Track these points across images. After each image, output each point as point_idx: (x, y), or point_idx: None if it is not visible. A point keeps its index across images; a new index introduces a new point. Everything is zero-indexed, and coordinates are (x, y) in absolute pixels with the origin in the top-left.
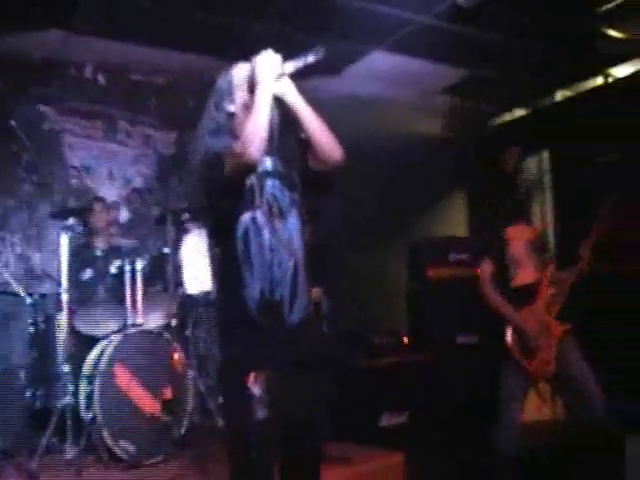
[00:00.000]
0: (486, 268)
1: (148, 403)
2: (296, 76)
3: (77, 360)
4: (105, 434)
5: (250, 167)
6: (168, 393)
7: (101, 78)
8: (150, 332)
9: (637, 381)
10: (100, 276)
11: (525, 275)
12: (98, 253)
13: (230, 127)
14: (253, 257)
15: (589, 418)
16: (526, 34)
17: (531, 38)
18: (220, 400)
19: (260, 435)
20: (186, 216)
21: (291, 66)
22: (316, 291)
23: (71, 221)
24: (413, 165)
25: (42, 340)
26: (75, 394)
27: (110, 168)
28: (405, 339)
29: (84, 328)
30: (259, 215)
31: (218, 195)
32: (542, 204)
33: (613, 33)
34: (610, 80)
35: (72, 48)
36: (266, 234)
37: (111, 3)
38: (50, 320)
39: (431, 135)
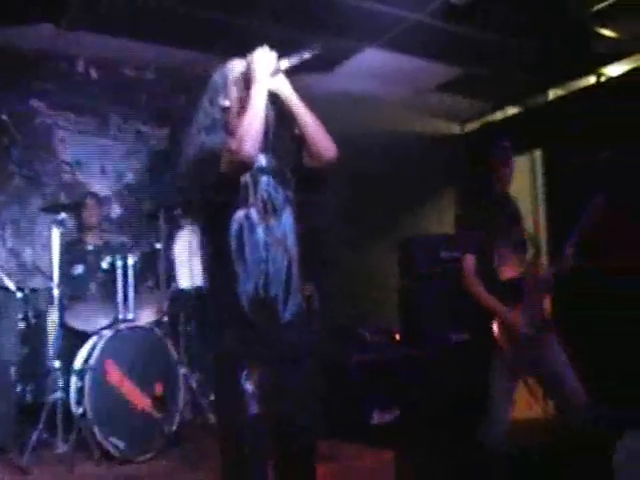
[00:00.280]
0: (469, 263)
1: (139, 399)
2: (289, 73)
3: (68, 355)
4: (95, 430)
5: (246, 164)
6: (159, 389)
7: (93, 73)
8: (141, 328)
9: (623, 378)
10: (92, 271)
11: (510, 270)
12: (90, 248)
13: (224, 122)
14: (247, 254)
15: (575, 418)
16: (519, 33)
17: (524, 37)
18: (212, 396)
19: (253, 431)
20: (178, 212)
21: (286, 63)
22: (308, 287)
23: (63, 216)
24: (406, 162)
25: (33, 335)
26: (66, 389)
27: (102, 163)
28: (396, 336)
29: (75, 323)
30: (253, 212)
31: (212, 191)
32: (532, 201)
33: (606, 32)
34: (603, 79)
35: (64, 42)
36: (260, 231)
37: None
38: (41, 315)
39: (424, 133)
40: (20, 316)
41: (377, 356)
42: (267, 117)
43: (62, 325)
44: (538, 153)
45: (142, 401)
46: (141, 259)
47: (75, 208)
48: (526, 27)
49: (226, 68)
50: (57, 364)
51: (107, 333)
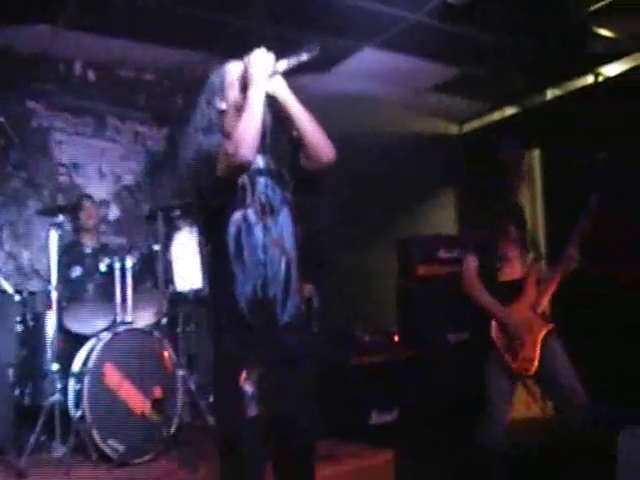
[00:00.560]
0: (471, 263)
1: (138, 402)
2: (286, 74)
3: (66, 358)
4: (94, 433)
5: (243, 166)
6: (158, 392)
7: (90, 74)
8: (140, 330)
9: (622, 378)
10: (89, 274)
11: (511, 271)
12: (87, 251)
13: (221, 125)
14: (245, 255)
15: (574, 418)
16: (517, 32)
17: (522, 36)
18: (211, 398)
19: (251, 432)
20: (176, 213)
21: (284, 64)
22: (307, 288)
23: (60, 218)
24: (404, 162)
25: (31, 338)
26: (64, 392)
27: (99, 165)
28: (395, 337)
29: (73, 326)
30: (251, 213)
31: (210, 193)
32: (532, 201)
33: (603, 32)
34: (601, 79)
35: (61, 44)
36: (258, 232)
37: None
38: (39, 318)
39: (422, 133)
40: (18, 319)
41: (376, 357)
42: (264, 119)
43: (60, 328)
44: (536, 153)
45: (141, 404)
46: (139, 261)
47: (72, 210)
48: (524, 27)
49: (223, 69)
50: (55, 367)
51: (105, 336)
